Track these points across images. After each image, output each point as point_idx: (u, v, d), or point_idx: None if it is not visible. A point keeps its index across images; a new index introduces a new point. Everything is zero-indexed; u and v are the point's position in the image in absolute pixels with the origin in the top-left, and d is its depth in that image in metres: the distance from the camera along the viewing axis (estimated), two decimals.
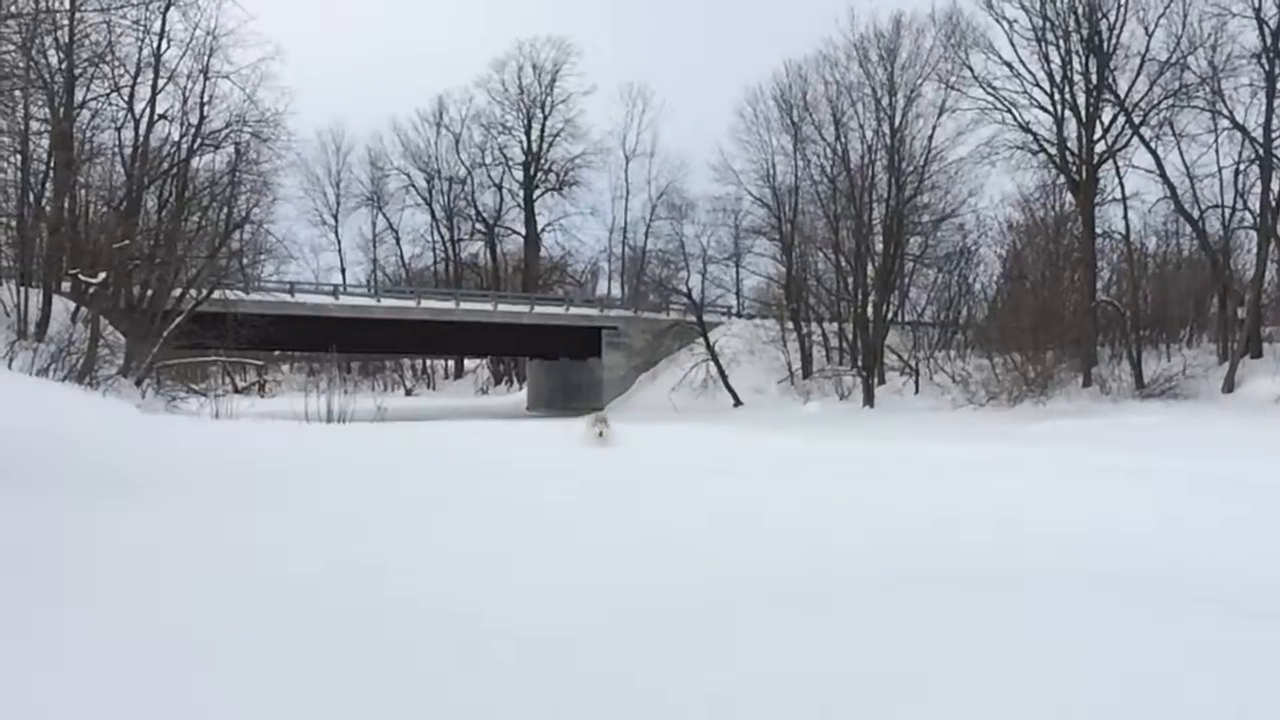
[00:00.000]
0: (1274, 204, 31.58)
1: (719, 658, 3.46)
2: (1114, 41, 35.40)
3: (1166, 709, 2.93)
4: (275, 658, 3.45)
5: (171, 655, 3.44)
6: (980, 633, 3.62)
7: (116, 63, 28.48)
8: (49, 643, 3.53)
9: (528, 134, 69.03)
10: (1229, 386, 30.53)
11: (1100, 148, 36.07)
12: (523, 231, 70.02)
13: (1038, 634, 3.61)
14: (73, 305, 24.44)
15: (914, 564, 5.15)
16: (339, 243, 74.38)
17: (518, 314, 48.60)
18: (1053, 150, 37.23)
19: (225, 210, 32.33)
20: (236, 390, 31.52)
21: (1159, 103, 34.13)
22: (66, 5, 24.29)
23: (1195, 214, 34.55)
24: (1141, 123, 34.47)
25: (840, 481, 8.95)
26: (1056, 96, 36.78)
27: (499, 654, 3.54)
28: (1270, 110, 31.41)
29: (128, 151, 29.51)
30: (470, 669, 3.37)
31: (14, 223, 25.25)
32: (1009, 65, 37.25)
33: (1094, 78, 35.85)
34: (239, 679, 3.23)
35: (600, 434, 13.17)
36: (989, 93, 38.07)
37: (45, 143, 26.15)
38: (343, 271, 72.73)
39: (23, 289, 23.11)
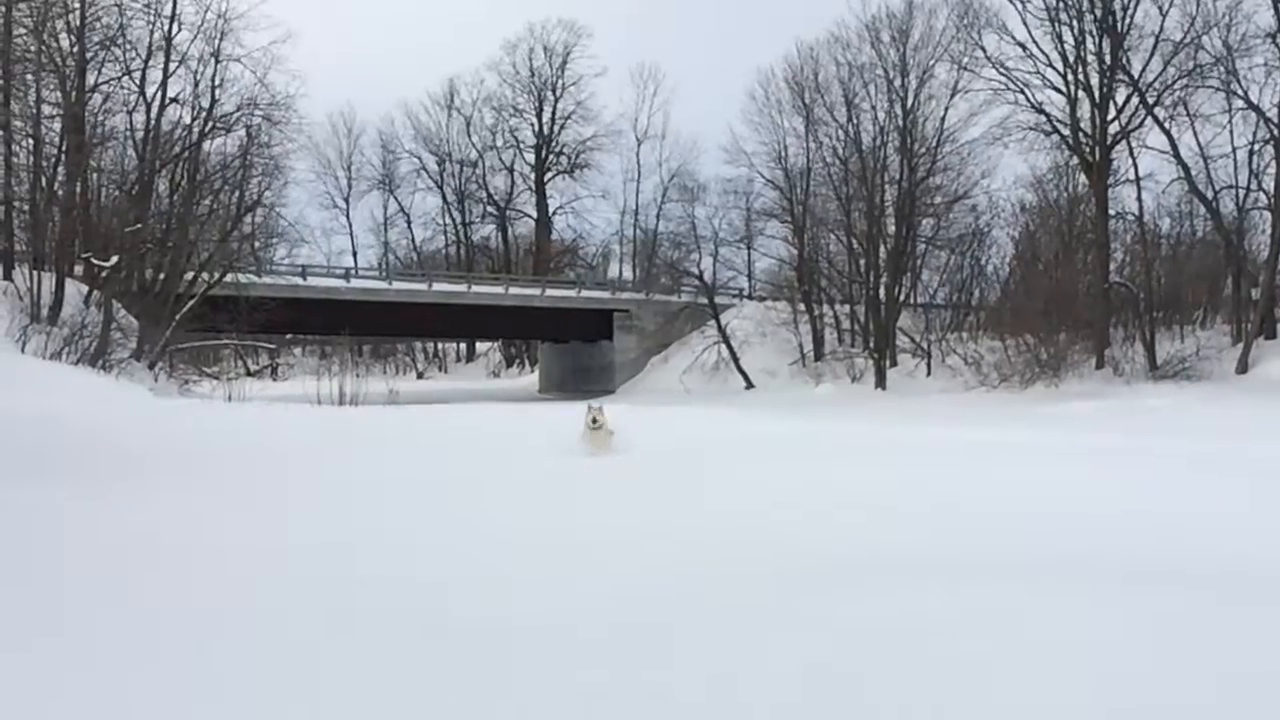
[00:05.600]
0: None
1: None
2: (1128, 21, 35.21)
3: None
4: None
5: (214, 648, 3.39)
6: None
7: (128, 46, 28.59)
8: (83, 638, 3.53)
9: (539, 117, 68.90)
10: (1243, 367, 30.45)
11: (1114, 128, 35.83)
12: (534, 214, 69.99)
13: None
14: (85, 289, 24.49)
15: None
16: (350, 226, 74.57)
17: (529, 297, 48.57)
18: (1066, 131, 37.00)
19: (237, 194, 32.45)
20: (249, 373, 31.54)
21: (1173, 83, 33.97)
22: None
23: (1209, 195, 34.42)
24: (1155, 103, 34.26)
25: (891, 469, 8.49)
26: (1070, 77, 36.57)
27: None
28: None
29: (139, 135, 29.57)
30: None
31: (26, 206, 25.30)
32: (1022, 46, 37.08)
33: (1108, 58, 35.57)
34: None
35: (595, 438, 9.88)
36: (1002, 73, 37.91)
37: (57, 126, 26.19)
38: (354, 255, 72.96)
39: (35, 273, 23.15)
